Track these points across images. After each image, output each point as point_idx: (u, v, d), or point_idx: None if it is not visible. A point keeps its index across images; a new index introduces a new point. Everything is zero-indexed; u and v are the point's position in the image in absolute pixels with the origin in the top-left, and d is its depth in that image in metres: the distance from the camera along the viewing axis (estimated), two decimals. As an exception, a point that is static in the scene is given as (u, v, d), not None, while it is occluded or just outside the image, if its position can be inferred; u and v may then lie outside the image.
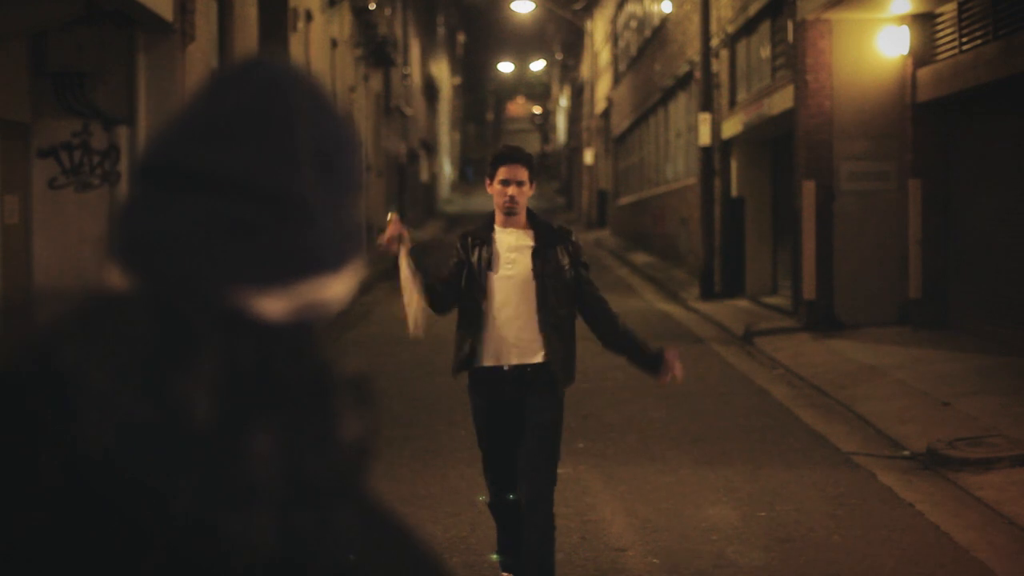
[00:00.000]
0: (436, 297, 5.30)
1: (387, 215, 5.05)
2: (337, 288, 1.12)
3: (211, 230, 1.05)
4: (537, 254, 5.38)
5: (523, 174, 5.40)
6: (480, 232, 5.45)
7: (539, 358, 5.32)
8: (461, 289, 5.37)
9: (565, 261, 5.39)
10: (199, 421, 0.97)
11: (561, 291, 5.36)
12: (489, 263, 5.36)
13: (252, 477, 0.97)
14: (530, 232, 5.45)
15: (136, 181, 1.11)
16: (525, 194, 5.42)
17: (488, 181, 5.51)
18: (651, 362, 5.47)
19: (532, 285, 5.35)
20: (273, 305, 1.06)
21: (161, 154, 1.11)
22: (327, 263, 1.11)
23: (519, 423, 5.35)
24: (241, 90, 1.12)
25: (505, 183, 5.38)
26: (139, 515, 0.96)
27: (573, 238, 5.49)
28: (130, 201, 1.10)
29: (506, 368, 5.33)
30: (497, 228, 5.45)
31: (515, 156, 5.44)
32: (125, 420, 0.96)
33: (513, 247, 5.40)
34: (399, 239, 5.16)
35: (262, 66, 1.15)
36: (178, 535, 0.96)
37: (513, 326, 5.33)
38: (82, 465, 0.96)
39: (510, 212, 5.41)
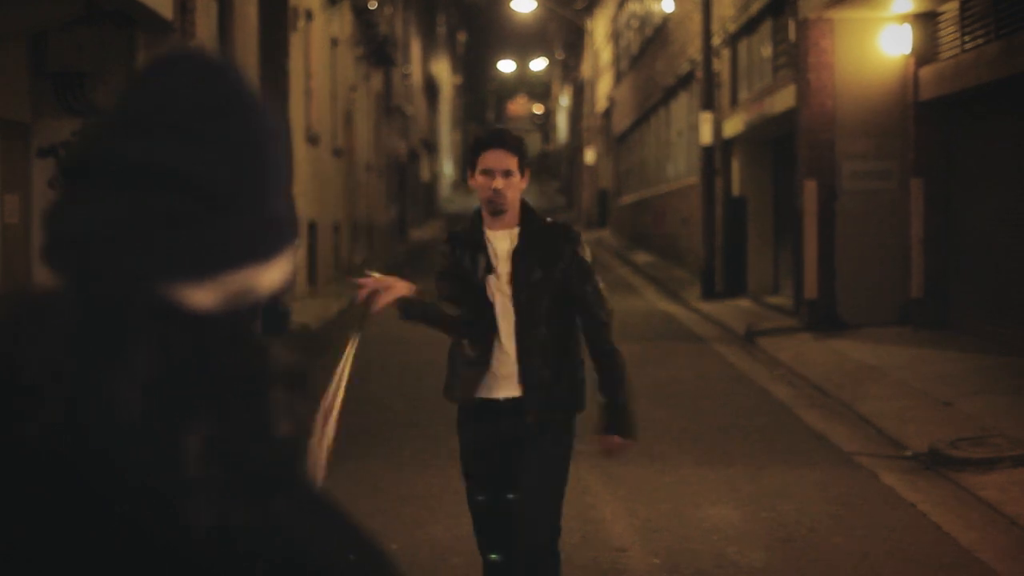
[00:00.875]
0: (454, 324, 4.45)
1: (361, 273, 4.22)
2: (269, 277, 1.11)
3: (139, 223, 1.04)
4: (517, 258, 4.40)
5: (511, 162, 4.35)
6: (471, 234, 4.47)
7: (517, 391, 4.44)
8: (458, 297, 4.44)
9: (557, 266, 4.39)
10: (134, 413, 0.97)
11: (545, 304, 4.40)
12: (488, 271, 4.41)
13: (189, 467, 0.97)
14: (517, 231, 4.44)
15: (62, 180, 1.10)
16: (515, 186, 4.37)
17: (470, 172, 4.47)
18: (603, 415, 4.71)
19: (511, 299, 4.40)
20: (205, 296, 1.06)
21: (87, 150, 1.10)
22: (257, 253, 1.10)
23: (520, 462, 4.52)
24: (167, 83, 1.11)
25: (488, 173, 4.35)
26: (81, 512, 0.96)
27: (571, 235, 4.46)
28: (57, 200, 1.09)
29: (501, 400, 4.46)
30: (487, 230, 4.44)
31: (500, 140, 4.41)
32: (59, 416, 0.96)
33: (505, 253, 4.42)
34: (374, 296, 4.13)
35: (188, 58, 1.14)
36: (123, 529, 0.96)
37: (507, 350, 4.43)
38: (25, 461, 0.96)
39: (496, 210, 4.38)
